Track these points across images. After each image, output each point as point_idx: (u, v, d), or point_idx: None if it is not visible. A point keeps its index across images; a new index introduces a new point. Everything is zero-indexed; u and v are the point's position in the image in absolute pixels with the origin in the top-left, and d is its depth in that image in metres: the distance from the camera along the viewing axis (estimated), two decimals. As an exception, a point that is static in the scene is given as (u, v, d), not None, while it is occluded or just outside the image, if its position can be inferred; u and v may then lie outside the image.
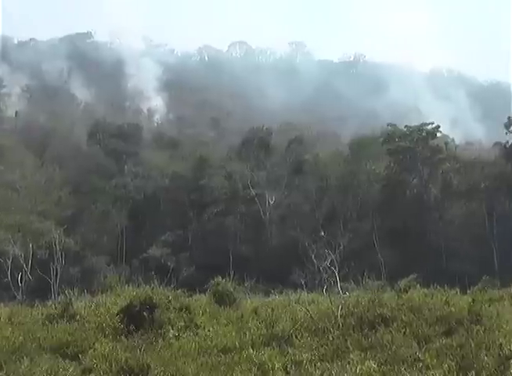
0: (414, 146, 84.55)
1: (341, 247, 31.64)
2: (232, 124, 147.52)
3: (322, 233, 43.82)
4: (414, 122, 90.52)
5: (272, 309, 26.64)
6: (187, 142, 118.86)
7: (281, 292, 43.42)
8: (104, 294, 30.10)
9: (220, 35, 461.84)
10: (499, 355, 16.52)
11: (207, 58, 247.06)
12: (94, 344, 20.48)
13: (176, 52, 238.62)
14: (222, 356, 19.08)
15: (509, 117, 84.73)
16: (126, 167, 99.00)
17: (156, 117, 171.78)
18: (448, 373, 15.96)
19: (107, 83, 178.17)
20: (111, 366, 17.55)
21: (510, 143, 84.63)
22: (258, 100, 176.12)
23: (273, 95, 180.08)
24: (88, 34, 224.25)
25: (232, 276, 35.90)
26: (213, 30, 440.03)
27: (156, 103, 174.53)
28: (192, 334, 22.30)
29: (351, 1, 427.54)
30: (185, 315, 24.04)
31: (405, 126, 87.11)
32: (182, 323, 23.17)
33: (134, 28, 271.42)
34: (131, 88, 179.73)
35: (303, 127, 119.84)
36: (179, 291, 27.55)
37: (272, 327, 22.36)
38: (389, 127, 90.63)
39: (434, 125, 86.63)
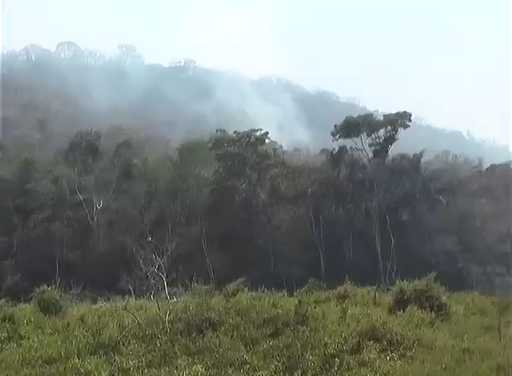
0: (243, 152, 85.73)
1: (169, 252, 30.97)
2: (59, 127, 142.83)
3: (150, 238, 43.04)
4: (243, 128, 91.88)
5: (99, 317, 25.72)
6: (12, 144, 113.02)
7: (108, 299, 42.20)
8: None
9: (48, 35, 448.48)
10: (325, 354, 16.74)
11: (33, 57, 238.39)
12: None
13: (1, 51, 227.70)
14: (47, 366, 18.16)
15: (335, 125, 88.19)
16: None
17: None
18: (275, 373, 15.96)
19: None
20: None
21: (336, 150, 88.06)
22: (86, 102, 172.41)
23: (102, 97, 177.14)
24: None
25: (58, 283, 34.26)
26: (40, 29, 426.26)
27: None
28: (15, 345, 21.05)
29: (185, 7, 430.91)
30: (8, 325, 23.04)
31: (234, 132, 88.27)
32: (5, 335, 22.03)
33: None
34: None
35: (132, 131, 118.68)
36: (3, 300, 25.86)
37: (99, 334, 21.41)
38: (218, 132, 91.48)
39: (262, 132, 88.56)
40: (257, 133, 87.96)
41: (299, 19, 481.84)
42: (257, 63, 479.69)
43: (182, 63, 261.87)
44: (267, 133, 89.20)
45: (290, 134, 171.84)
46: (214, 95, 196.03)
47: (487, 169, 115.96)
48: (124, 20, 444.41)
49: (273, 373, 16.01)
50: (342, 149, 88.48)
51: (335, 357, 16.42)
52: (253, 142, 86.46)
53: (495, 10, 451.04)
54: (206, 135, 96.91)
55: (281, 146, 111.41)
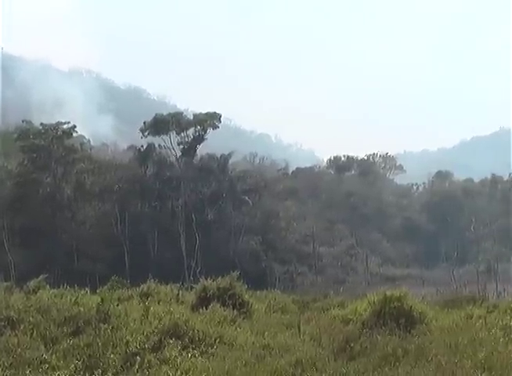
0: (49, 145, 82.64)
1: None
2: None
3: None
4: (50, 119, 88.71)
5: None
6: None
7: None
8: None
9: None
10: (126, 352, 16.45)
11: None
12: None
13: None
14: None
15: (144, 122, 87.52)
16: None
17: None
18: (75, 373, 15.40)
19: None
20: None
21: (144, 147, 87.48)
22: None
23: None
24: None
25: None
26: None
27: None
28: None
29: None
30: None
31: (41, 124, 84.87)
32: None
33: None
34: None
35: None
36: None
37: None
38: (24, 123, 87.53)
39: (70, 125, 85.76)
40: (65, 126, 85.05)
41: (113, 13, 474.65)
42: (68, 55, 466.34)
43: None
44: (74, 127, 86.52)
45: (99, 128, 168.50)
46: (21, 85, 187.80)
47: (292, 172, 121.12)
48: None
49: (73, 372, 15.42)
50: (150, 146, 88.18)
51: (136, 355, 16.17)
52: (59, 135, 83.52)
53: (307, 18, 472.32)
54: (11, 125, 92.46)
55: (89, 141, 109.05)
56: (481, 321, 23.19)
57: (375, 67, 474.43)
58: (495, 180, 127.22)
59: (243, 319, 24.50)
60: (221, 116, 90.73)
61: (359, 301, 27.35)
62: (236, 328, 21.77)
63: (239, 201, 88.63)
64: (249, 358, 16.31)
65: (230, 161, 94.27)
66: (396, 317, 21.05)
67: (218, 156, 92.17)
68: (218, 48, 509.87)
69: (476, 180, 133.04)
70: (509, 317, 22.23)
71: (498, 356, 15.39)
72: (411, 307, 21.83)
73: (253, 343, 19.07)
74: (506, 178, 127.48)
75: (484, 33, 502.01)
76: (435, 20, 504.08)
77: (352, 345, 17.87)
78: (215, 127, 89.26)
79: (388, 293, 22.47)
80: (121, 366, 15.63)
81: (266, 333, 21.37)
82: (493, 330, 20.27)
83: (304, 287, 64.86)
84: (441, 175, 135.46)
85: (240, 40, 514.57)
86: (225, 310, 24.33)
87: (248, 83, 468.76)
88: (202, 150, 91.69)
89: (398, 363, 15.51)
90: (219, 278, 27.53)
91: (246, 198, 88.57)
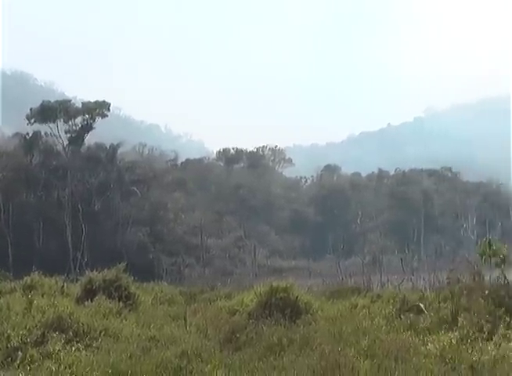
0: None
1: None
2: None
3: None
4: None
5: None
6: None
7: None
8: None
9: None
10: (7, 347, 16.04)
11: None
12: None
13: None
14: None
15: (31, 109, 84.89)
16: None
17: None
18: None
19: None
20: None
21: (30, 135, 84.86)
22: None
23: None
24: None
25: None
26: None
27: None
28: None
29: None
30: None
31: None
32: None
33: None
34: None
35: None
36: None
37: None
38: None
39: None
40: None
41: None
42: None
43: None
44: None
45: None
46: None
47: (182, 163, 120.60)
48: None
49: None
50: (36, 134, 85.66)
51: (18, 350, 15.77)
52: None
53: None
54: None
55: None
56: (364, 311, 24.05)
57: (267, 61, 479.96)
58: (381, 175, 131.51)
59: (130, 311, 24.37)
60: (110, 105, 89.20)
61: (246, 293, 27.74)
62: (121, 320, 21.62)
63: (127, 192, 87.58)
64: (134, 350, 16.26)
65: (119, 151, 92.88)
66: (282, 308, 21.50)
67: (107, 146, 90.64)
68: (110, 38, 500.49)
69: (363, 174, 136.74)
70: (391, 307, 23.08)
71: (380, 344, 16.02)
72: (297, 298, 22.33)
73: (138, 335, 19.01)
74: (392, 173, 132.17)
75: (372, 33, 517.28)
76: (322, 16, 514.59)
77: (238, 335, 18.11)
78: (104, 116, 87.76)
79: (275, 284, 22.91)
80: (2, 362, 15.22)
81: (152, 325, 21.36)
82: (376, 319, 21.10)
83: (191, 278, 64.88)
84: (330, 169, 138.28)
85: (132, 30, 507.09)
86: (110, 302, 24.12)
87: (138, 73, 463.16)
88: (90, 139, 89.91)
89: (283, 353, 15.86)
90: (105, 270, 27.21)
91: (135, 189, 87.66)
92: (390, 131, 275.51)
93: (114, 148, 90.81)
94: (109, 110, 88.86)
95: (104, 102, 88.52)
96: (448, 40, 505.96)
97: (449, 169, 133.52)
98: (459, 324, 18.08)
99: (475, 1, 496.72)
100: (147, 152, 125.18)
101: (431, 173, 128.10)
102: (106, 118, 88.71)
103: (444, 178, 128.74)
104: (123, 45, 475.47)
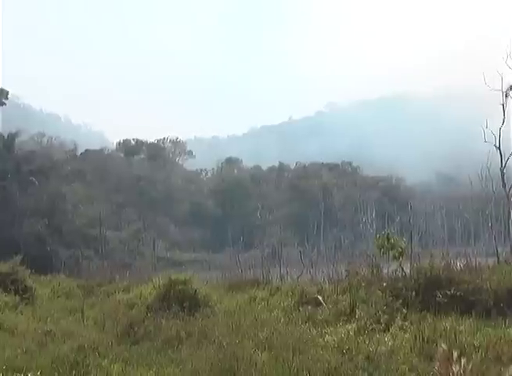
0: None
1: None
2: None
3: None
4: None
5: None
6: None
7: None
8: None
9: None
10: None
11: None
12: None
13: None
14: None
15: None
16: None
17: None
18: None
19: None
20: None
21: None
22: None
23: None
24: None
25: None
26: None
27: None
28: None
29: None
30: None
31: None
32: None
33: None
34: None
35: None
36: None
37: None
38: None
39: None
40: None
41: None
42: None
43: None
44: None
45: None
46: None
47: (81, 154, 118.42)
48: None
49: None
50: None
51: None
52: None
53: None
54: None
55: None
56: (263, 303, 24.58)
57: (169, 50, 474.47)
58: (282, 168, 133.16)
59: (26, 304, 24.14)
60: (8, 92, 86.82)
61: (145, 286, 27.84)
62: (17, 314, 21.42)
63: (25, 183, 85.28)
64: (30, 345, 16.20)
65: (17, 141, 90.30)
66: (181, 300, 21.76)
67: (4, 135, 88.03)
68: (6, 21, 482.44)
69: (264, 168, 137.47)
70: (290, 299, 23.67)
71: (278, 336, 16.52)
72: (196, 290, 22.63)
73: (35, 329, 18.91)
74: (292, 166, 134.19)
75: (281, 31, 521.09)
76: (223, 8, 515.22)
77: (136, 329, 18.25)
78: (1, 104, 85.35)
79: (173, 277, 23.15)
80: None
81: (49, 319, 21.25)
82: (275, 312, 21.66)
83: (90, 271, 63.82)
84: (230, 162, 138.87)
85: (35, 13, 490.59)
86: (6, 296, 23.80)
87: (37, 59, 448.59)
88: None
89: (181, 346, 16.14)
90: (1, 262, 26.78)
91: (33, 179, 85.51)
92: (291, 125, 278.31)
93: (12, 137, 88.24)
94: (7, 97, 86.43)
95: (2, 89, 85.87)
96: (349, 39, 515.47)
97: (349, 164, 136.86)
98: (357, 316, 18.66)
99: (378, 3, 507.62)
100: (46, 142, 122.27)
101: (332, 167, 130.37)
102: (4, 106, 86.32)
103: (344, 172, 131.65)
104: (24, 29, 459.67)
